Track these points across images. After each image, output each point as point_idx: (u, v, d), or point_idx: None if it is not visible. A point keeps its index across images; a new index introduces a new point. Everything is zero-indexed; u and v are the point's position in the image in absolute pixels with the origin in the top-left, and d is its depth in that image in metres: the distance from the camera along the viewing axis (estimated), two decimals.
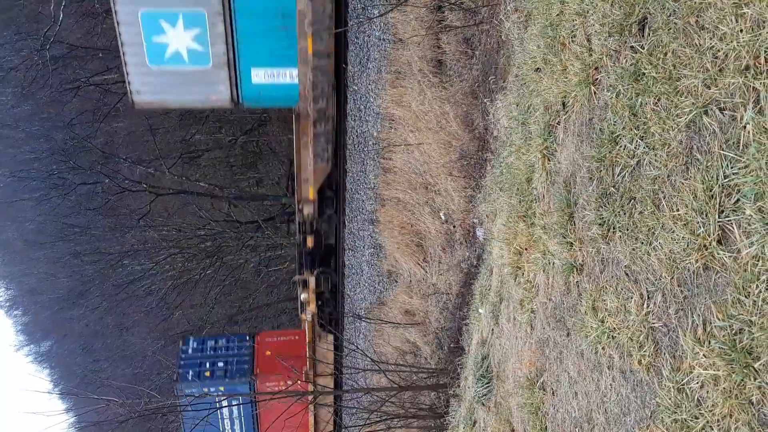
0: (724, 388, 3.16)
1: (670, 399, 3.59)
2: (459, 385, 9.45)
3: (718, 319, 3.23)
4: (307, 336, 16.98)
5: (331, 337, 16.56)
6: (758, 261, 2.99)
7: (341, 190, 14.62)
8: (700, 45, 3.48)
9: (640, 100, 4.06)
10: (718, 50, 3.34)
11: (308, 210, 14.12)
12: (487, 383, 7.56)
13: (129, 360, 31.04)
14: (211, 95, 11.17)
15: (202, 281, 26.22)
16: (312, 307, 16.72)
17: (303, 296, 16.51)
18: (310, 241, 15.24)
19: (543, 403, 5.71)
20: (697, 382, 3.38)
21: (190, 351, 17.42)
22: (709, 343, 3.29)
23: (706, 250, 3.35)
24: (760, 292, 2.96)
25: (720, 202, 3.26)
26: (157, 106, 11.81)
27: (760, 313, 2.97)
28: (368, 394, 12.34)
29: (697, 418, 3.36)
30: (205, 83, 11.02)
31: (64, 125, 23.61)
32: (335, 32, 12.11)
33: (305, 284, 16.47)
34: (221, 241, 25.77)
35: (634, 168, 4.12)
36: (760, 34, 3.07)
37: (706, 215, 3.33)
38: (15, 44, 23.35)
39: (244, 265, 26.65)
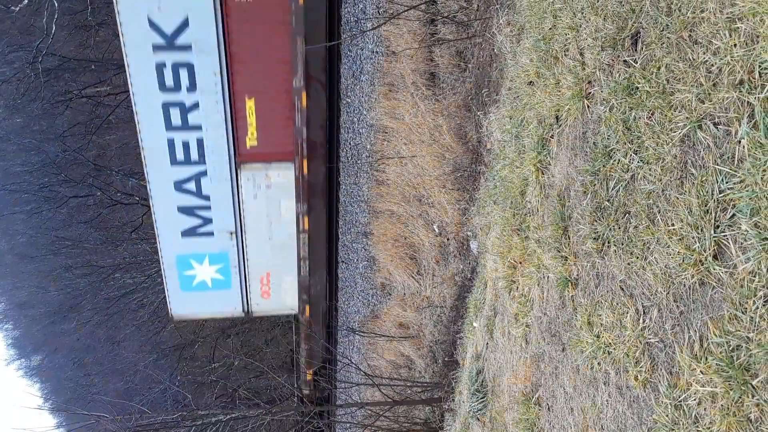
0: (721, 405, 3.12)
1: (667, 416, 3.55)
2: (454, 400, 9.38)
3: (715, 336, 3.20)
4: None
5: None
6: (755, 277, 2.96)
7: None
8: (694, 59, 3.47)
9: (633, 114, 4.05)
10: (712, 65, 3.33)
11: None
12: (482, 398, 7.49)
13: (121, 374, 30.74)
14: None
15: None
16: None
17: None
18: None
19: (538, 419, 5.65)
20: (695, 399, 3.34)
21: None
22: (706, 359, 3.25)
23: (702, 265, 3.32)
24: (757, 308, 2.94)
25: (715, 217, 3.24)
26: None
27: (757, 329, 2.94)
28: (362, 409, 12.25)
29: None
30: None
31: (55, 138, 23.50)
32: (328, 45, 12.18)
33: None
34: None
35: (628, 182, 4.10)
36: (754, 48, 3.06)
37: (702, 230, 3.31)
38: (7, 56, 23.26)
39: None
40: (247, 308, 14.68)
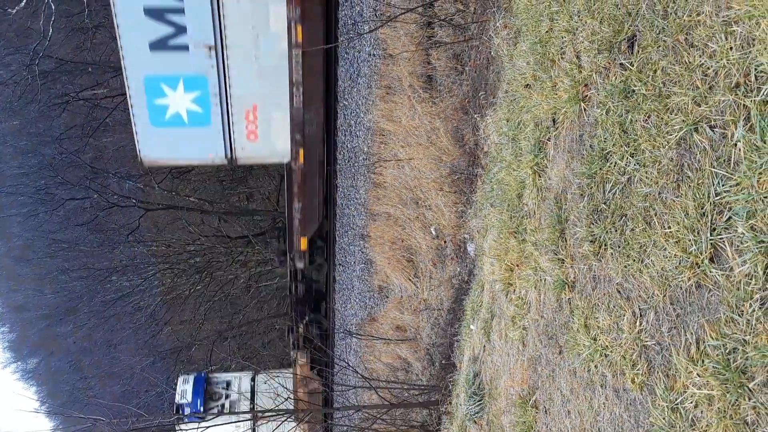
0: (718, 408, 3.12)
1: (664, 419, 3.55)
2: (451, 402, 9.37)
3: (712, 338, 3.20)
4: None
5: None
6: (751, 279, 2.97)
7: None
8: (690, 62, 3.48)
9: (630, 116, 4.05)
10: (708, 68, 3.34)
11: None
12: (479, 401, 7.49)
13: (117, 377, 30.68)
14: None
15: (191, 297, 26.03)
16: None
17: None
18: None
19: (536, 422, 5.65)
20: (691, 402, 3.34)
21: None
22: (703, 362, 3.25)
23: (699, 268, 3.32)
24: (754, 311, 2.94)
25: (712, 220, 3.24)
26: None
27: (753, 332, 2.94)
28: (359, 412, 12.23)
29: None
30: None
31: (52, 140, 23.49)
32: (325, 47, 12.18)
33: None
34: (211, 257, 25.61)
35: (625, 185, 4.11)
36: (749, 51, 3.07)
37: (698, 233, 3.31)
38: (4, 59, 23.25)
39: (234, 281, 26.49)
40: (231, 154, 12.09)
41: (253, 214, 25.59)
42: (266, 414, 10.73)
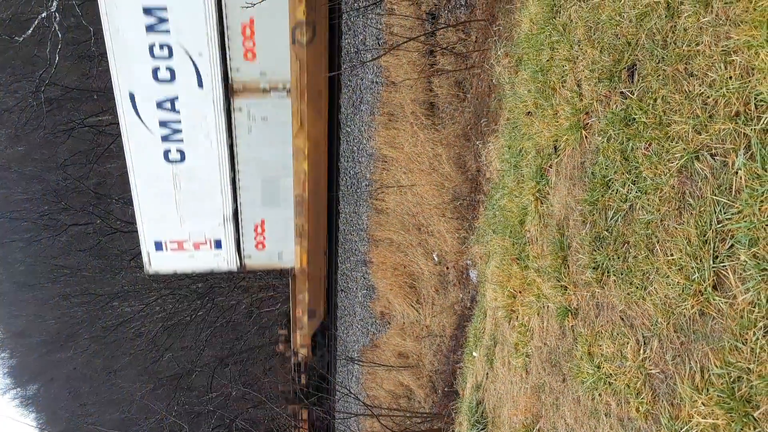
0: None
1: None
2: (453, 431, 9.27)
3: (716, 366, 3.18)
4: None
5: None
6: (755, 307, 2.96)
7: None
8: (690, 91, 3.51)
9: (631, 144, 4.08)
10: (708, 97, 3.37)
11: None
12: (482, 429, 7.41)
13: (117, 404, 30.40)
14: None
15: (192, 323, 25.89)
16: None
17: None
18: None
19: None
20: (696, 431, 3.31)
21: None
22: (708, 390, 3.23)
23: (702, 295, 3.32)
24: (758, 339, 2.93)
25: (714, 248, 3.24)
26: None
27: (758, 360, 2.93)
28: None
29: None
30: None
31: (56, 166, 23.59)
32: (329, 75, 12.31)
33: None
34: (213, 282, 25.55)
35: (626, 212, 4.12)
36: (749, 81, 3.10)
37: (701, 261, 3.32)
38: (9, 86, 23.48)
39: (235, 307, 26.37)
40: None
41: None
42: None
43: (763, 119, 3.00)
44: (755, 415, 2.93)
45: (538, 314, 5.70)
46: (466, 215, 9.58)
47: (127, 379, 29.44)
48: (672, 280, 3.55)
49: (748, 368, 2.97)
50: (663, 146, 3.72)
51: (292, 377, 17.17)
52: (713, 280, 3.25)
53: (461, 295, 9.85)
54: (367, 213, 13.43)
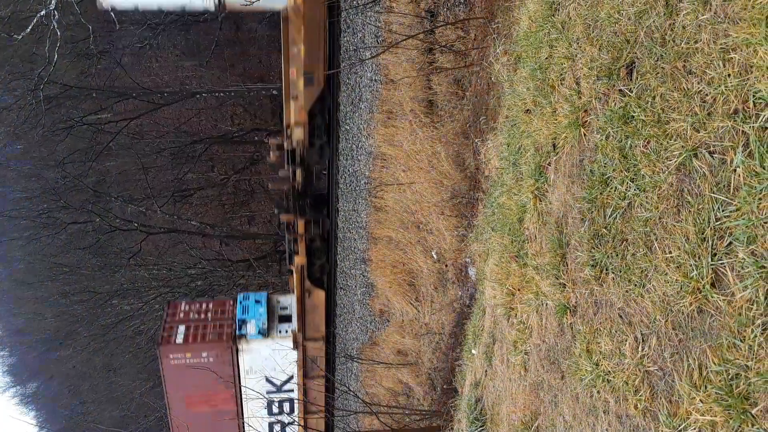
0: None
1: None
2: (452, 428, 9.28)
3: (714, 364, 3.18)
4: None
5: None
6: (752, 305, 2.96)
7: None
8: (688, 89, 3.51)
9: (629, 142, 4.08)
10: (706, 94, 3.37)
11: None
12: (481, 426, 7.42)
13: (116, 402, 30.43)
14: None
15: None
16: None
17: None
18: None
19: None
20: (695, 428, 3.32)
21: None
22: (706, 387, 3.24)
23: (700, 293, 3.32)
24: (756, 336, 2.93)
25: (712, 245, 3.24)
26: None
27: (755, 357, 2.93)
28: None
29: None
30: None
31: (55, 164, 23.59)
32: (327, 73, 12.28)
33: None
34: (212, 280, 25.58)
35: (625, 210, 4.12)
36: (748, 78, 3.10)
37: (699, 258, 3.32)
38: (9, 84, 23.45)
39: None
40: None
41: (254, 238, 25.60)
42: None
43: (761, 117, 3.00)
44: (753, 412, 2.94)
45: (536, 312, 5.71)
46: (465, 213, 9.58)
47: (127, 376, 29.45)
48: (670, 277, 3.55)
49: (746, 365, 2.98)
50: (661, 144, 3.72)
51: (283, 175, 13.87)
52: (711, 277, 3.26)
53: (460, 293, 9.86)
54: (366, 211, 13.43)
